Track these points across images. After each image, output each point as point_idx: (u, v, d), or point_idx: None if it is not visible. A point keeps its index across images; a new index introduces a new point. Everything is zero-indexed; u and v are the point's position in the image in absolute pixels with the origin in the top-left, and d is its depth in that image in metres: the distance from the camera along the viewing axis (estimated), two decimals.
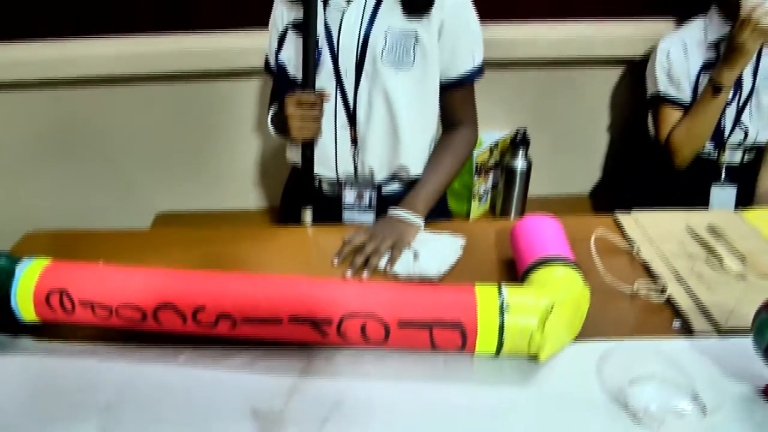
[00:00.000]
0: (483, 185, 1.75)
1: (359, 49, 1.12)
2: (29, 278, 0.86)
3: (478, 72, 1.19)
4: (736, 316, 0.86)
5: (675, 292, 0.92)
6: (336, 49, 1.13)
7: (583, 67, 1.65)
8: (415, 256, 0.99)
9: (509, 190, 1.69)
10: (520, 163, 1.65)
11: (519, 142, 1.63)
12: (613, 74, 1.69)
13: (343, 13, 1.12)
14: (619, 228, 1.11)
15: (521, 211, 1.73)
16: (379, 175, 1.22)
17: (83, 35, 1.59)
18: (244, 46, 1.58)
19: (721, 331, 0.84)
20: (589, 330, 0.83)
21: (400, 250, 1.01)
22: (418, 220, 1.10)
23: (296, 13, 1.15)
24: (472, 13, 1.16)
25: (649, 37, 1.56)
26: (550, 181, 1.81)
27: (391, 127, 1.17)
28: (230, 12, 1.59)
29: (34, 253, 0.90)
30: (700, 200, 1.52)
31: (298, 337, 0.80)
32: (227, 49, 1.60)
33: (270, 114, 1.25)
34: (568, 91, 1.70)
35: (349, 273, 0.98)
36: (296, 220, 1.22)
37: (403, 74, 1.13)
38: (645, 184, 1.62)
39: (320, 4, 1.11)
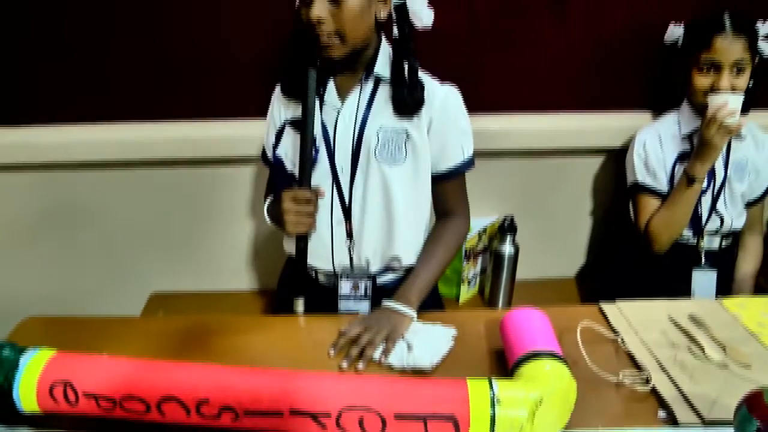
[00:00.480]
0: (472, 270, 1.80)
1: (354, 147, 1.19)
2: (33, 369, 0.88)
3: (468, 164, 1.26)
4: (719, 406, 0.89)
5: (659, 381, 0.95)
6: (332, 147, 1.20)
7: (566, 157, 1.73)
8: (409, 347, 1.03)
9: (497, 275, 1.73)
10: (508, 249, 1.70)
11: (507, 228, 1.69)
12: (595, 163, 1.77)
13: (338, 112, 1.20)
14: (604, 317, 1.15)
15: (509, 295, 1.76)
16: (374, 266, 1.27)
17: (80, 121, 1.65)
18: (239, 135, 1.64)
19: (706, 422, 0.87)
20: (577, 420, 0.86)
21: (394, 342, 1.04)
22: (411, 312, 1.13)
23: (293, 111, 1.23)
24: (461, 110, 1.24)
25: (627, 129, 1.65)
26: (537, 265, 1.85)
27: (385, 220, 1.23)
28: (226, 102, 1.66)
29: (32, 339, 0.93)
30: (682, 284, 1.56)
31: (298, 429, 0.82)
32: (223, 137, 1.65)
33: (266, 204, 1.31)
34: (552, 179, 1.77)
35: (344, 364, 1.02)
36: (292, 308, 1.25)
37: (396, 169, 1.19)
38: (628, 269, 1.67)
39: (316, 104, 1.18)
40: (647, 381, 0.96)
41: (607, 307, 1.17)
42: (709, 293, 1.54)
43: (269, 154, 1.32)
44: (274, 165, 1.27)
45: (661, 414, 0.91)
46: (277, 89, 1.30)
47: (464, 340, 1.08)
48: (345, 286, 1.27)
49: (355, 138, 1.19)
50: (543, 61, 1.63)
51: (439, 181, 1.26)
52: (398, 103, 1.17)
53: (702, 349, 1.03)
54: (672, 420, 0.89)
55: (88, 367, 0.90)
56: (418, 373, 1.00)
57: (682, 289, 1.55)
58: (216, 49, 1.59)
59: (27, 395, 0.88)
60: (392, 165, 1.19)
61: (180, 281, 1.90)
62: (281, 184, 1.24)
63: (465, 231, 1.33)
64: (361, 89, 1.19)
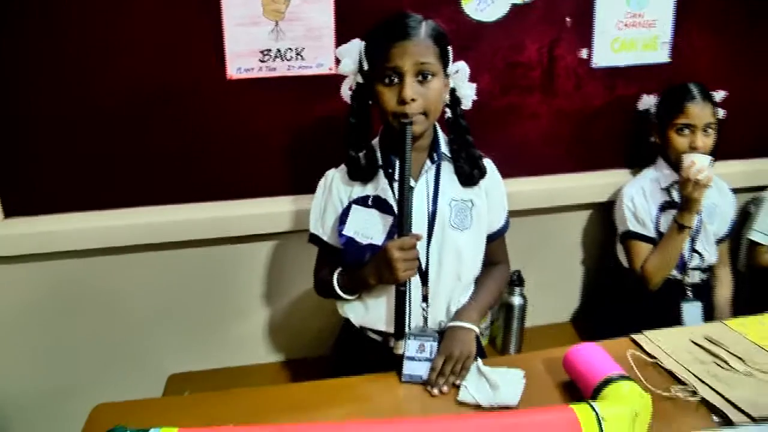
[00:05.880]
0: (484, 323, 1.97)
1: (430, 218, 1.34)
2: None
3: (508, 223, 1.49)
4: (760, 405, 1.09)
5: (704, 392, 1.15)
6: (409, 221, 1.31)
7: (559, 213, 1.97)
8: (494, 387, 1.17)
9: (509, 325, 1.92)
10: (517, 300, 1.90)
11: (516, 281, 1.88)
12: (584, 216, 2.03)
13: (412, 190, 1.33)
14: (638, 346, 1.34)
15: (520, 342, 1.94)
16: (445, 326, 1.39)
17: (90, 209, 1.72)
18: (248, 214, 1.75)
19: (756, 420, 1.07)
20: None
21: (469, 365, 1.25)
22: (475, 327, 1.34)
23: (360, 191, 1.37)
24: (500, 177, 1.46)
25: (610, 185, 1.93)
26: (537, 312, 2.04)
27: (456, 281, 1.38)
28: (237, 183, 1.77)
29: (108, 424, 1.02)
30: (669, 316, 1.78)
31: None
32: (230, 217, 1.75)
33: (335, 278, 1.38)
34: (548, 233, 2.01)
35: (435, 391, 1.21)
36: (350, 369, 1.33)
37: (466, 234, 1.37)
38: (621, 307, 1.89)
39: (387, 185, 1.34)
40: (694, 393, 1.15)
41: (638, 338, 1.36)
42: (697, 321, 1.77)
43: (325, 236, 1.43)
44: (346, 244, 1.34)
45: (716, 419, 1.09)
46: (332, 176, 1.42)
47: (531, 377, 1.24)
48: (412, 347, 1.32)
49: (430, 210, 1.35)
50: (537, 132, 1.88)
51: (491, 240, 1.45)
52: (465, 176, 1.36)
53: (726, 362, 1.24)
54: (727, 422, 1.08)
55: None
56: (504, 408, 1.15)
57: (669, 320, 1.76)
58: (228, 133, 1.71)
59: None
60: (462, 231, 1.37)
61: (197, 361, 1.94)
62: (355, 258, 1.34)
63: (508, 275, 1.58)
64: (428, 168, 1.36)
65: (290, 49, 1.65)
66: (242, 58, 1.63)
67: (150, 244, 1.76)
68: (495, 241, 1.48)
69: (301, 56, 1.66)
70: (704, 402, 1.14)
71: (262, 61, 1.64)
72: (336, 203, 1.40)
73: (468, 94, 1.38)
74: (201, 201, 1.77)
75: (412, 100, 1.23)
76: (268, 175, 1.78)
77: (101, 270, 1.78)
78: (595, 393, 1.07)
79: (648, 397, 1.04)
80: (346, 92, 1.38)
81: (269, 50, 1.64)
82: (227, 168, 1.75)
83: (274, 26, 1.62)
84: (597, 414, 0.97)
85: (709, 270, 1.85)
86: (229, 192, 1.78)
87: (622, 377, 1.08)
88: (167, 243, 1.76)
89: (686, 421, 1.10)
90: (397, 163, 1.34)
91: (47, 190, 1.69)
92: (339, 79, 1.39)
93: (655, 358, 1.28)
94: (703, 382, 1.18)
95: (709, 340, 1.34)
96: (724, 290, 1.88)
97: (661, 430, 1.05)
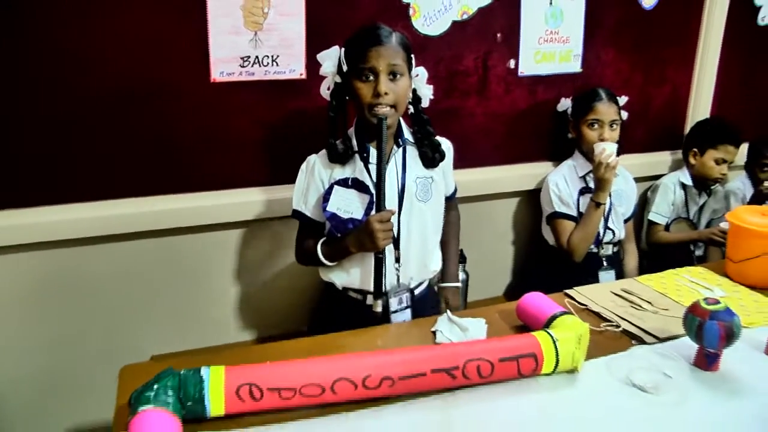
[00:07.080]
0: None
1: (400, 193, 1.61)
2: (217, 379, 1.13)
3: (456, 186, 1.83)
4: (664, 330, 1.44)
5: (623, 324, 1.48)
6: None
7: (492, 200, 2.30)
8: (464, 330, 1.45)
9: None
10: (461, 275, 2.19)
11: (460, 260, 2.17)
12: (513, 202, 2.37)
13: (385, 169, 1.56)
14: (571, 298, 1.66)
15: None
16: (415, 282, 1.69)
17: (73, 201, 1.81)
18: (221, 204, 1.93)
19: (662, 339, 1.41)
20: (588, 353, 1.34)
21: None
22: (458, 283, 1.83)
23: (341, 173, 1.61)
24: (452, 153, 1.77)
25: (535, 175, 2.29)
26: (475, 288, 2.34)
27: (423, 244, 1.67)
28: (213, 175, 1.93)
29: (140, 380, 1.12)
30: (590, 283, 2.13)
31: (437, 383, 1.20)
32: (204, 207, 1.92)
33: (319, 247, 1.62)
34: (483, 217, 2.33)
35: None
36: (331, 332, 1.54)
37: (428, 205, 1.66)
38: (549, 278, 2.22)
39: (363, 167, 1.59)
40: (618, 326, 1.48)
41: (571, 292, 1.68)
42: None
43: (307, 212, 1.66)
44: (330, 219, 1.59)
45: (634, 342, 1.43)
46: (314, 160, 1.65)
47: (491, 323, 1.52)
48: (393, 303, 1.64)
49: (400, 186, 1.62)
50: (473, 130, 2.20)
51: (446, 201, 1.77)
52: (427, 160, 1.65)
53: (639, 305, 1.59)
54: (642, 342, 1.41)
55: (265, 370, 1.16)
56: None
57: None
58: (210, 130, 1.88)
59: (216, 399, 1.12)
60: (425, 202, 1.65)
61: (176, 344, 2.06)
62: (340, 230, 1.58)
63: (459, 215, 1.92)
64: (396, 152, 1.62)
65: (267, 56, 1.87)
66: (225, 63, 1.83)
67: (125, 234, 1.87)
68: (452, 200, 1.83)
69: (276, 63, 1.88)
70: (625, 332, 1.47)
71: (242, 67, 1.85)
72: (318, 183, 1.64)
73: (426, 94, 1.68)
74: (180, 192, 1.91)
75: (386, 93, 1.50)
76: (244, 168, 1.97)
77: (80, 260, 1.87)
78: (546, 326, 1.37)
79: (586, 326, 1.34)
80: (324, 91, 1.64)
81: (249, 57, 1.85)
82: (207, 161, 1.92)
83: (253, 36, 1.83)
84: (552, 336, 1.27)
85: (619, 244, 2.23)
86: (207, 183, 1.94)
87: (565, 313, 1.38)
88: (145, 232, 1.89)
89: (613, 346, 1.42)
90: (372, 150, 1.61)
91: (25, 182, 1.76)
92: (309, 83, 1.64)
93: (585, 305, 1.61)
94: (623, 318, 1.52)
95: (625, 291, 1.68)
96: (631, 260, 2.28)
97: (596, 353, 1.36)
